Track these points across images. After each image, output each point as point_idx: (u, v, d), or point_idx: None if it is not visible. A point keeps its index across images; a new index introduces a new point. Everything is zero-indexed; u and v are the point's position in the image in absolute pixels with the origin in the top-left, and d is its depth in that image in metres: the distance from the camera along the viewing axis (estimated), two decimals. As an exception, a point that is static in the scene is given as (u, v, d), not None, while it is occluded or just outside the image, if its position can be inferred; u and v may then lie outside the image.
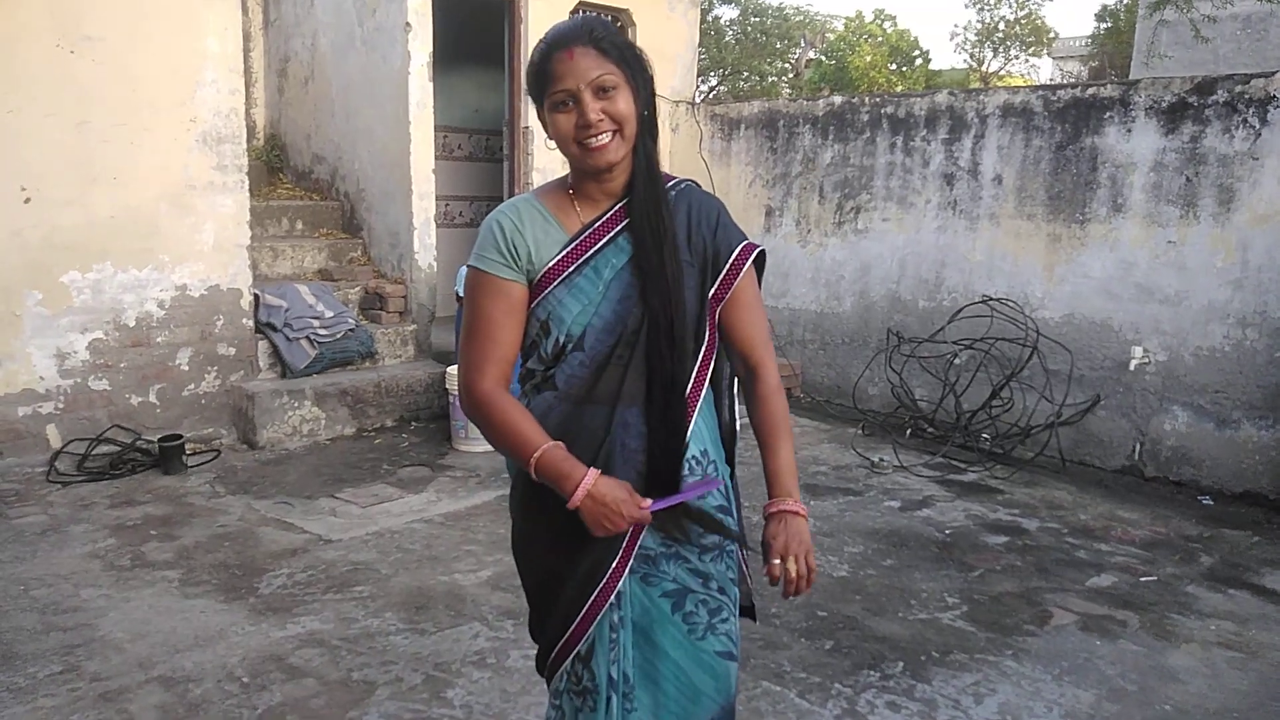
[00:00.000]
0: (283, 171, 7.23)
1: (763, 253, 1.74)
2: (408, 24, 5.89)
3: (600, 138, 1.56)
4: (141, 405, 4.94)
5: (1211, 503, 4.74)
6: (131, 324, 4.87)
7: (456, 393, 5.18)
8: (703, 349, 1.68)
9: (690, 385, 1.67)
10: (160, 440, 4.75)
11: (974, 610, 3.46)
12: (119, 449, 4.73)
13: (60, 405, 4.69)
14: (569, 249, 1.63)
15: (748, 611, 1.87)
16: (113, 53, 4.65)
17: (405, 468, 4.93)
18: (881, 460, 5.24)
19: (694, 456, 1.70)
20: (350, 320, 5.69)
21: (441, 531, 4.06)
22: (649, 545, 1.66)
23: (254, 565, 3.66)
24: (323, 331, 5.50)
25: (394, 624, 3.22)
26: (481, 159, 8.48)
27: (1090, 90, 5.27)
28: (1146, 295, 5.03)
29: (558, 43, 1.56)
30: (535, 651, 3.10)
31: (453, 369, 5.41)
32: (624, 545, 1.64)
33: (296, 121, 7.10)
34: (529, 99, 6.87)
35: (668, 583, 1.68)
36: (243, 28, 5.36)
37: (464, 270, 5.65)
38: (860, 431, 5.86)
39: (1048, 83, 11.11)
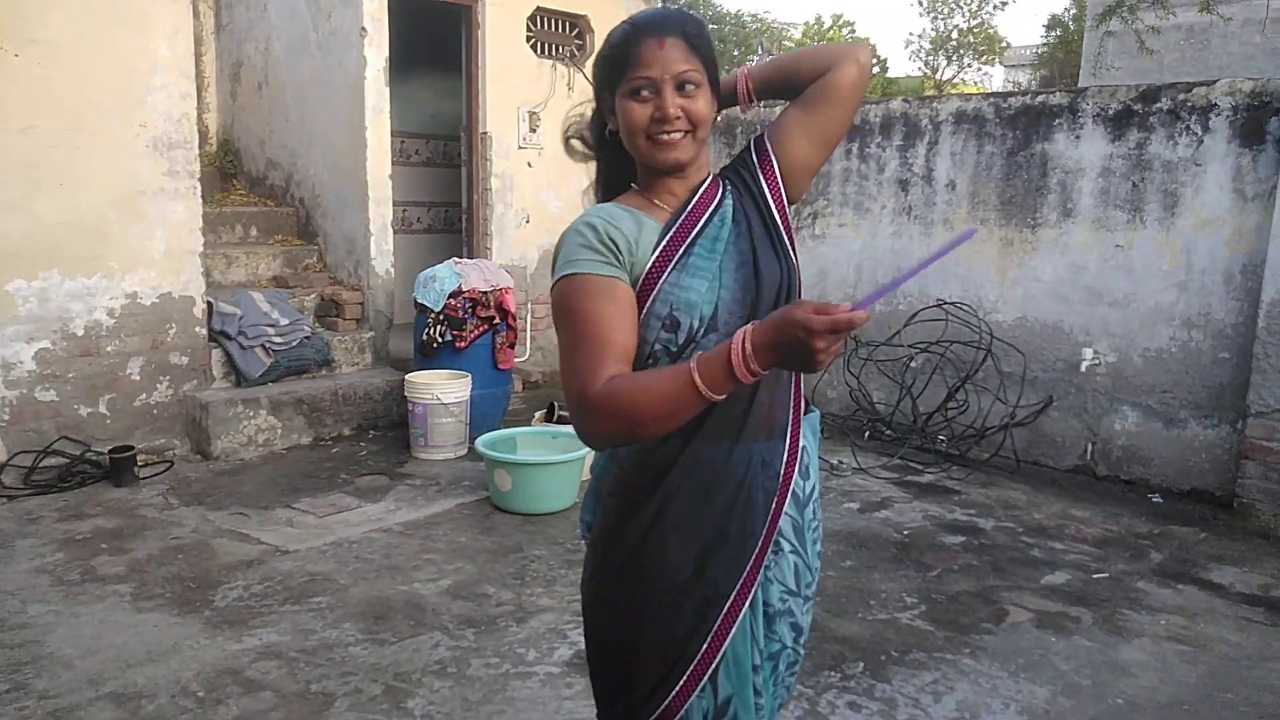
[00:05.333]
0: (236, 177, 7.13)
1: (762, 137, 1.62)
2: (363, 29, 5.84)
3: (673, 135, 1.46)
4: (91, 416, 4.83)
5: (1161, 500, 4.84)
6: (80, 333, 4.77)
7: (415, 402, 5.16)
8: None
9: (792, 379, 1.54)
10: (111, 452, 4.65)
11: (932, 609, 3.51)
12: (68, 461, 4.63)
13: (5, 417, 4.57)
14: (673, 233, 1.48)
15: None
16: (59, 56, 4.55)
17: (363, 476, 4.88)
18: (840, 463, 5.29)
19: (817, 497, 1.62)
20: (306, 328, 5.62)
21: (401, 541, 4.02)
22: (771, 602, 1.54)
23: (209, 578, 3.60)
24: (278, 339, 5.42)
25: (353, 635, 3.18)
26: (439, 164, 8.43)
27: (1040, 98, 5.37)
28: (1096, 298, 5.13)
29: (649, 28, 1.46)
30: (496, 660, 3.09)
31: (411, 375, 5.37)
32: (748, 568, 1.49)
33: (250, 127, 7.00)
34: (487, 104, 6.76)
35: (774, 643, 1.55)
36: (194, 32, 5.28)
37: (422, 275, 5.62)
38: (821, 434, 5.91)
39: (999, 90, 11.32)
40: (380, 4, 5.90)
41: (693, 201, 1.52)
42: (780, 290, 1.51)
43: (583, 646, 1.87)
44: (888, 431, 5.83)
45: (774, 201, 1.56)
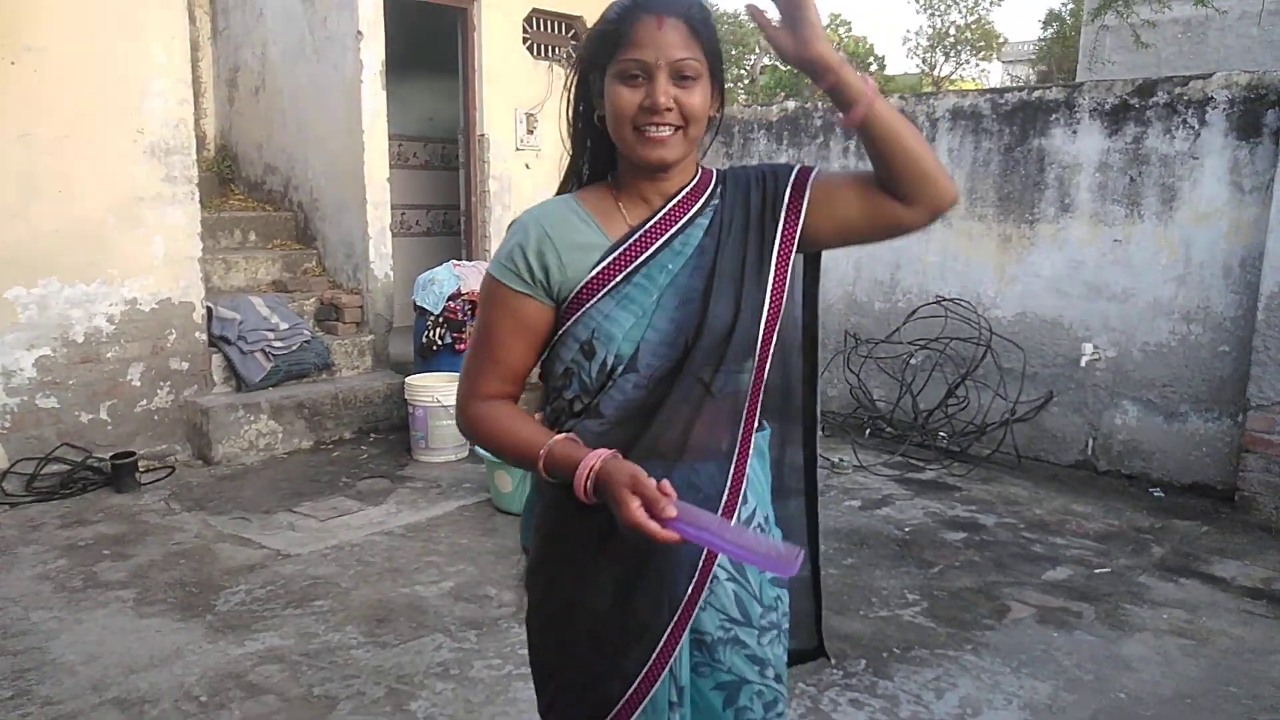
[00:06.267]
0: (234, 182, 7.13)
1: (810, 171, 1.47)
2: (359, 32, 5.84)
3: (662, 129, 1.32)
4: (92, 423, 4.84)
5: (1162, 495, 4.84)
6: (80, 340, 4.77)
7: (415, 405, 5.16)
8: (754, 358, 1.42)
9: (747, 404, 1.43)
10: (112, 458, 4.65)
11: (934, 606, 3.51)
12: (69, 468, 4.63)
13: (6, 424, 4.57)
14: (616, 255, 1.37)
15: (820, 651, 1.76)
16: (55, 63, 4.55)
17: (364, 480, 4.88)
18: (841, 460, 5.30)
19: (759, 524, 1.48)
20: (306, 332, 5.62)
21: (402, 543, 4.02)
22: (706, 629, 1.44)
23: (211, 582, 3.60)
24: (278, 344, 5.43)
25: (355, 638, 3.18)
26: (437, 167, 8.43)
27: (1036, 93, 5.37)
28: (1095, 293, 5.13)
29: (649, 5, 1.31)
30: (499, 661, 3.09)
31: (411, 378, 5.37)
32: (680, 612, 1.40)
33: (247, 132, 7.00)
34: (484, 107, 6.75)
35: (723, 673, 1.44)
36: (190, 37, 5.29)
37: (421, 278, 5.63)
38: (820, 432, 5.91)
39: (995, 86, 11.34)
40: (376, 7, 5.91)
41: (654, 220, 1.40)
42: (730, 339, 1.38)
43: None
44: (888, 429, 5.83)
45: (780, 245, 1.44)
